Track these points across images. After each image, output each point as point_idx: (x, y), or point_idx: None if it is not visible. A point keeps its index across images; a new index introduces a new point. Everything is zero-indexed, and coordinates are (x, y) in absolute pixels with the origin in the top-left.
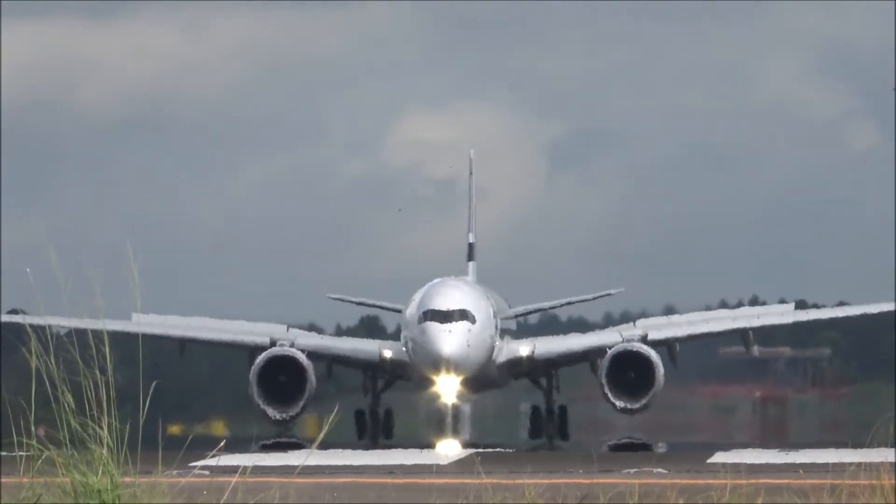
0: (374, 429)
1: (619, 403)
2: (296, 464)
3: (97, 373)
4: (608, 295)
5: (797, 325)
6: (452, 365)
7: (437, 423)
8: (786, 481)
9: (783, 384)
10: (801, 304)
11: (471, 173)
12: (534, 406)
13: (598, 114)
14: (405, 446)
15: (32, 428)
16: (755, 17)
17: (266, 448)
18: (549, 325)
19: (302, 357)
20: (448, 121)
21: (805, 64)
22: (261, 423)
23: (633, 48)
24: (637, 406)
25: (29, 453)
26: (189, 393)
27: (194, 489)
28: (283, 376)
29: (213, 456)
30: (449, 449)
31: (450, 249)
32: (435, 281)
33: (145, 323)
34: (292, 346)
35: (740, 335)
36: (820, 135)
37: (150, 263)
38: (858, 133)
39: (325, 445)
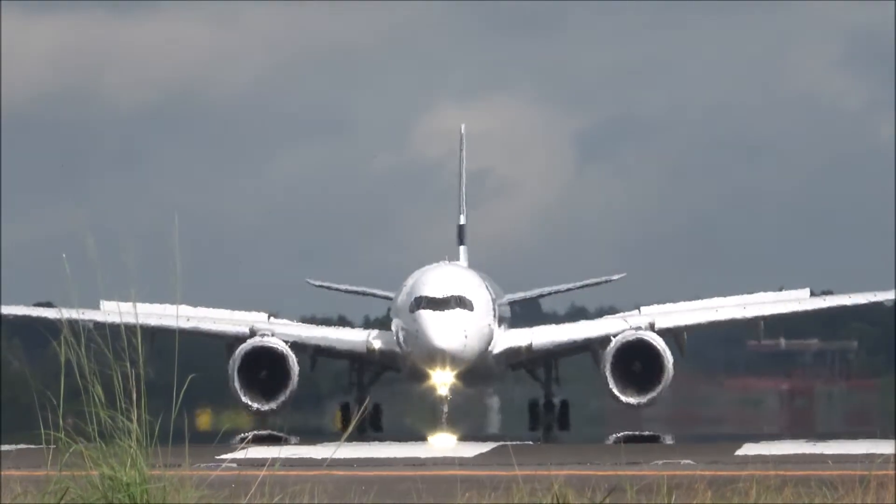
0: (360, 422)
1: (625, 398)
2: (323, 456)
3: (127, 365)
4: (608, 281)
5: (823, 317)
6: (448, 356)
7: (433, 416)
8: (814, 473)
9: (811, 376)
10: (825, 294)
11: (461, 150)
12: (531, 401)
13: (625, 105)
14: (397, 440)
15: (60, 420)
16: (783, 7)
17: (244, 441)
18: (578, 315)
19: (284, 347)
20: (477, 112)
21: (833, 55)
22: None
23: (660, 40)
24: (644, 401)
25: (56, 446)
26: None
27: (223, 483)
28: (264, 368)
29: (242, 448)
30: (445, 442)
31: (473, 239)
32: (428, 266)
33: (114, 311)
34: (273, 335)
35: (753, 324)
36: (848, 125)
37: (185, 255)
38: (886, 123)
39: (315, 439)
